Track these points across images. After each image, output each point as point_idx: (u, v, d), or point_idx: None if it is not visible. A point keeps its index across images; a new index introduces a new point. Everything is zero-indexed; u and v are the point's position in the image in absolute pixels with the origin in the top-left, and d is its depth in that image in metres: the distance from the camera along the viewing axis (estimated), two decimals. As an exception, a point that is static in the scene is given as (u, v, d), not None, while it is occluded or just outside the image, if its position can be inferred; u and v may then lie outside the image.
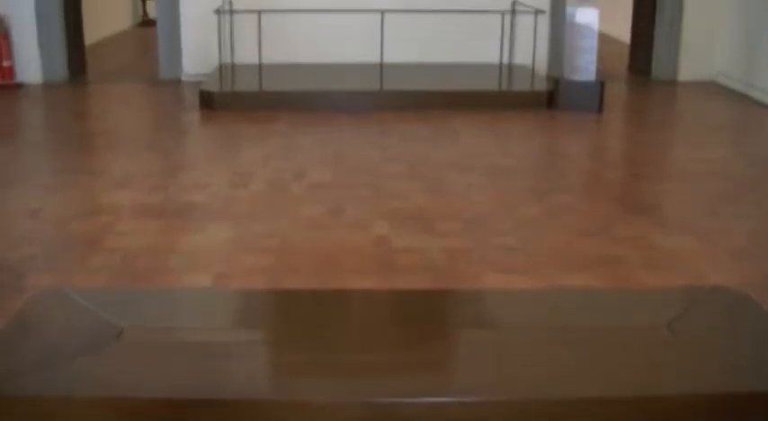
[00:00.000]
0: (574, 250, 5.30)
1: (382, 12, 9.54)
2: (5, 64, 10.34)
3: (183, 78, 10.65)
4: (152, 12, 14.47)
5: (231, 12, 10.01)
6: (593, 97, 9.16)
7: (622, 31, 12.99)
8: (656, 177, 7.15)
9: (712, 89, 10.63)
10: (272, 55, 10.00)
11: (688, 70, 11.08)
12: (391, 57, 9.94)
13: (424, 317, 3.13)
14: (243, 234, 5.52)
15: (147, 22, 16.28)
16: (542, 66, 10.59)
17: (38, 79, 10.53)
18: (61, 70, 10.70)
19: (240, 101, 9.17)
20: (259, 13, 9.45)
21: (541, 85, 9.67)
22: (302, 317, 3.16)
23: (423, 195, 6.35)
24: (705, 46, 11.03)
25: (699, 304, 3.21)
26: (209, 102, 9.10)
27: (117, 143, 8.05)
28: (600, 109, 9.15)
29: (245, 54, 10.15)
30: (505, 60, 10.49)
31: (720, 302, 3.27)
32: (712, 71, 11.05)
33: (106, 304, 3.16)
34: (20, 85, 10.36)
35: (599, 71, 9.41)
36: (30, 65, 10.48)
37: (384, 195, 6.32)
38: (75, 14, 11.15)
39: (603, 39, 10.45)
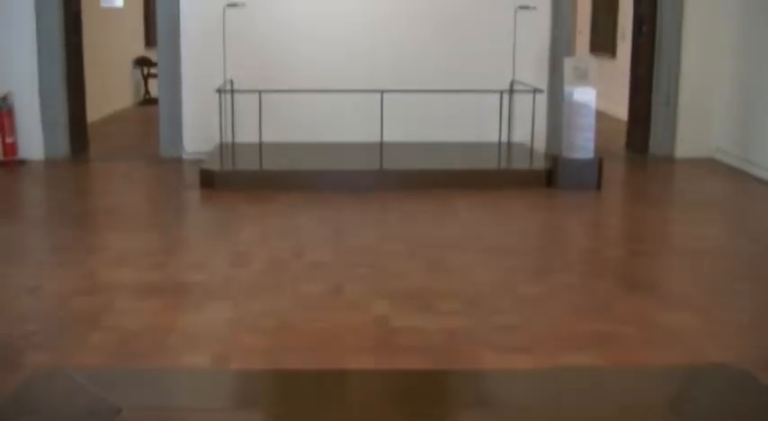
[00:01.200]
0: (574, 329, 5.29)
1: (382, 92, 9.63)
2: (8, 140, 10.45)
3: (184, 157, 10.72)
4: (154, 90, 14.64)
5: (232, 91, 10.12)
6: (592, 175, 9.21)
7: (620, 108, 13.11)
8: (656, 254, 7.16)
9: (710, 166, 10.70)
10: (273, 134, 10.07)
11: (685, 147, 11.17)
12: (391, 136, 10.00)
13: (425, 398, 3.10)
14: (242, 313, 5.51)
15: (148, 101, 16.45)
16: (541, 144, 10.68)
17: (40, 156, 10.63)
18: (63, 147, 10.80)
19: (240, 180, 9.22)
20: (260, 93, 9.54)
21: (540, 164, 9.74)
22: (302, 397, 3.12)
23: (422, 274, 6.35)
24: (702, 123, 11.14)
25: (701, 382, 3.18)
26: (209, 180, 9.14)
27: (117, 221, 8.06)
28: (598, 186, 9.20)
29: (246, 133, 10.24)
30: (504, 139, 10.56)
31: (723, 380, 3.24)
32: (710, 148, 11.13)
33: (104, 383, 3.13)
34: (22, 162, 10.44)
35: (597, 149, 9.47)
36: (32, 141, 10.59)
37: (384, 274, 6.31)
38: (78, 92, 11.29)
39: (601, 116, 10.55)
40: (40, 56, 10.53)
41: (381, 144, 9.75)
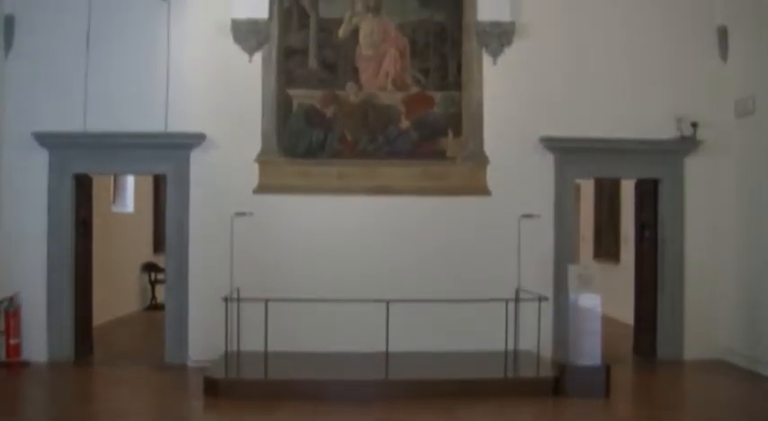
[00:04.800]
0: None
1: (387, 302, 9.65)
2: (13, 342, 10.50)
3: (189, 364, 10.67)
4: (161, 296, 14.69)
5: (239, 300, 10.16)
6: (599, 382, 9.13)
7: (625, 312, 13.07)
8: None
9: (719, 367, 10.64)
10: (279, 342, 10.01)
11: (694, 349, 11.15)
12: (397, 345, 9.90)
13: None
14: None
15: (155, 306, 16.49)
16: (547, 351, 10.62)
17: (43, 358, 10.67)
18: (68, 350, 10.82)
19: (245, 388, 9.13)
20: (266, 301, 9.57)
21: (547, 372, 9.65)
22: None
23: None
24: (709, 324, 11.18)
25: None
26: (213, 389, 9.07)
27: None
28: (606, 393, 9.10)
29: (251, 341, 10.18)
30: (510, 346, 10.48)
31: None
32: (718, 349, 11.10)
33: None
34: (26, 364, 10.43)
35: (604, 354, 9.41)
36: (37, 343, 10.66)
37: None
38: (85, 295, 11.38)
39: (607, 321, 10.53)
40: (50, 259, 10.75)
41: (387, 354, 9.68)
